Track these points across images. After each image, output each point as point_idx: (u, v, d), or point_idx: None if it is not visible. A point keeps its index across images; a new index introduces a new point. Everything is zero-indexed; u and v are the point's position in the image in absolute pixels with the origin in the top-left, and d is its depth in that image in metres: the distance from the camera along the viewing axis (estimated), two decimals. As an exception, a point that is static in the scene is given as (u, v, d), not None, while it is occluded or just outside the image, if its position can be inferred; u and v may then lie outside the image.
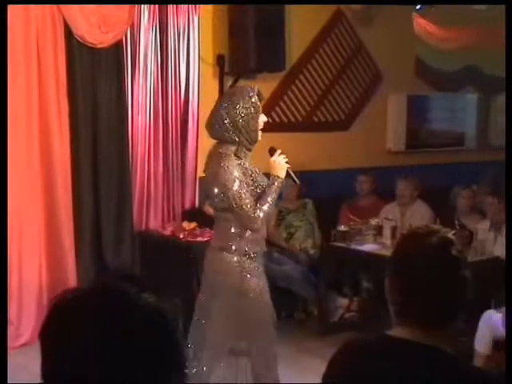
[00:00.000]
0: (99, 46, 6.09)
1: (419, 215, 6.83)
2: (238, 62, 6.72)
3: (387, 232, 6.14)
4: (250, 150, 4.05)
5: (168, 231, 6.39)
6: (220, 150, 3.98)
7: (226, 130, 3.96)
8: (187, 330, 3.95)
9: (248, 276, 3.98)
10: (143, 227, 6.57)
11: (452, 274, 1.87)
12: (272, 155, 4.09)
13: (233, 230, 3.98)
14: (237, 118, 3.96)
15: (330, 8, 7.68)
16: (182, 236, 6.20)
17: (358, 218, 6.62)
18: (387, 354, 1.85)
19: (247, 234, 3.98)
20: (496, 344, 4.99)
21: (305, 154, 7.60)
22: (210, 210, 4.75)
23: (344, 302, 6.58)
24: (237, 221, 3.94)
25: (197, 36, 6.61)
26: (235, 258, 3.97)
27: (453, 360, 1.82)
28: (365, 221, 6.40)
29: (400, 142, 8.43)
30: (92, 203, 6.27)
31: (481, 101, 9.21)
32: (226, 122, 3.97)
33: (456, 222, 6.11)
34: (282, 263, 6.79)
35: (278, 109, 7.49)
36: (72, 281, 6.01)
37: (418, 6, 8.09)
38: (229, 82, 6.94)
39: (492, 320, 5.04)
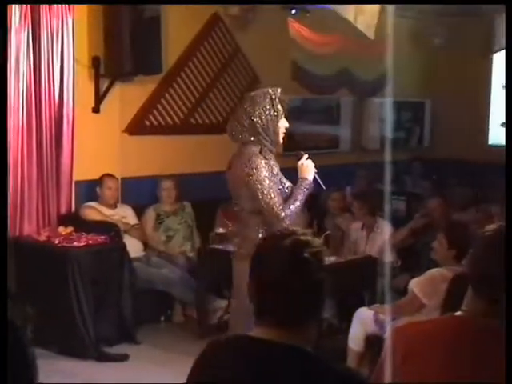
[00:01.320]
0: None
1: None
2: (113, 64, 6.65)
3: (264, 233, 6.21)
4: (271, 151, 4.10)
5: (43, 237, 6.23)
6: (245, 151, 4.02)
7: (246, 132, 4.02)
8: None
9: None
10: (17, 233, 6.38)
11: (304, 276, 1.91)
12: (299, 159, 4.19)
13: (261, 236, 3.94)
14: (256, 120, 4.01)
15: (207, 11, 7.71)
16: (57, 241, 6.06)
17: (234, 221, 6.66)
18: (245, 353, 1.88)
19: None
20: (368, 341, 5.13)
21: (182, 156, 7.61)
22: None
23: (223, 303, 6.62)
24: (265, 221, 3.94)
25: (71, 37, 6.49)
26: None
27: (309, 357, 1.86)
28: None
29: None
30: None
31: (355, 104, 9.46)
32: (245, 124, 4.02)
33: (330, 223, 6.26)
34: (160, 267, 6.77)
35: (155, 111, 7.46)
36: None
37: (293, 11, 8.22)
38: (105, 84, 6.86)
39: (364, 317, 5.18)
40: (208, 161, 7.77)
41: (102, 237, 6.15)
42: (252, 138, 4.04)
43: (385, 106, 9.30)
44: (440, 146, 10.38)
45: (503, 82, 10.13)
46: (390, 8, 6.17)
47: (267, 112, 4.03)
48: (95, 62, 6.76)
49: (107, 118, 6.98)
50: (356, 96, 9.42)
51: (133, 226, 6.89)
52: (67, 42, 6.47)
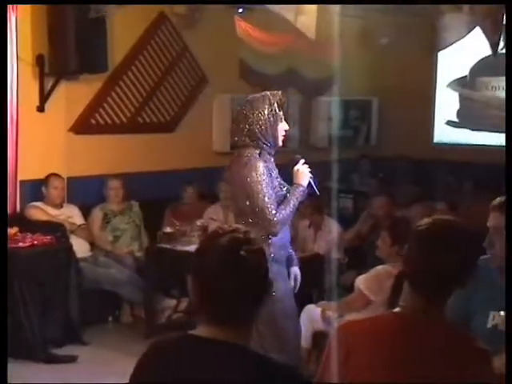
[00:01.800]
0: None
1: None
2: (57, 62, 6.57)
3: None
4: (270, 154, 4.08)
5: (-13, 238, 6.13)
6: (244, 154, 3.99)
7: (245, 135, 3.99)
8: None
9: (275, 280, 3.91)
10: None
11: (240, 274, 1.90)
12: (296, 164, 4.17)
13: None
14: (254, 124, 3.99)
15: (154, 10, 7.68)
16: (2, 242, 5.97)
17: (182, 221, 6.67)
18: (187, 352, 1.88)
19: (272, 240, 3.96)
20: (316, 338, 5.17)
21: (130, 155, 7.57)
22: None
23: (171, 303, 6.61)
24: (258, 224, 3.91)
25: (14, 35, 6.40)
26: None
27: (250, 355, 1.87)
28: (190, 222, 6.45)
29: (225, 144, 8.52)
30: None
31: (302, 103, 9.51)
32: (245, 128, 4.00)
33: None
34: (108, 267, 6.72)
35: (101, 110, 7.40)
36: None
37: (240, 10, 8.23)
38: (50, 82, 6.79)
39: (312, 314, 5.21)
40: (156, 160, 7.76)
41: (48, 237, 6.09)
42: (251, 142, 4.02)
43: (332, 105, 9.38)
44: (387, 144, 10.49)
45: (447, 80, 10.31)
46: (336, 8, 6.25)
47: (265, 116, 4.02)
48: (39, 61, 6.68)
49: (52, 116, 6.91)
50: (304, 95, 9.46)
51: (79, 226, 6.83)
52: (10, 40, 6.38)
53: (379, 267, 4.90)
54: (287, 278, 4.18)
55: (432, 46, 6.96)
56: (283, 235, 4.06)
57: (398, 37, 9.72)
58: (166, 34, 7.91)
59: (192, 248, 6.13)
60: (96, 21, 6.57)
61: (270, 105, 4.04)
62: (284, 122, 4.12)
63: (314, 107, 9.60)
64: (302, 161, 4.24)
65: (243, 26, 8.34)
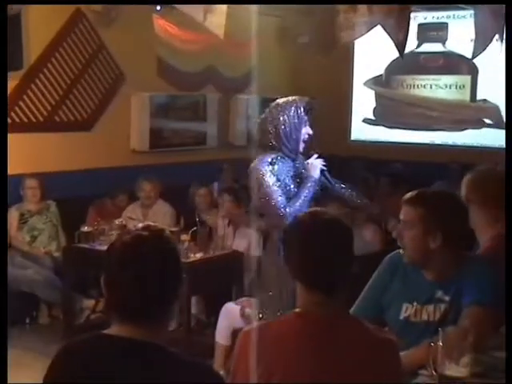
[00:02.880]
0: None
1: (161, 214, 6.97)
2: (-30, 60, 6.43)
3: (132, 231, 6.18)
4: (289, 156, 4.23)
5: None
6: (265, 153, 4.19)
7: (269, 136, 4.19)
8: None
9: None
10: None
11: (143, 271, 1.91)
12: (309, 158, 4.34)
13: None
14: (279, 126, 4.16)
15: (69, 8, 7.57)
16: None
17: (105, 218, 6.61)
18: (98, 351, 1.89)
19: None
20: (235, 335, 5.19)
21: (47, 154, 7.46)
22: None
23: (90, 303, 6.55)
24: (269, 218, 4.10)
25: None
26: None
27: (164, 352, 1.88)
28: (109, 221, 6.40)
29: (144, 142, 8.51)
30: None
31: (221, 101, 9.54)
32: (270, 129, 4.18)
33: (197, 220, 6.30)
34: (25, 267, 6.61)
35: (17, 108, 7.27)
36: None
37: (158, 7, 8.20)
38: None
39: (231, 311, 5.24)
40: (73, 159, 7.67)
41: (-38, 238, 5.95)
42: (274, 143, 4.21)
43: (251, 103, 9.44)
44: (306, 141, 10.62)
45: (364, 79, 10.50)
46: (254, 7, 6.29)
47: (291, 119, 4.21)
48: (-49, 58, 6.52)
49: (-34, 115, 6.75)
50: (222, 93, 9.50)
51: (-6, 226, 6.69)
52: None
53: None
54: None
55: (329, 44, 7.04)
56: None
57: (316, 36, 9.85)
58: (83, 31, 7.82)
59: (110, 247, 6.09)
60: (11, 18, 6.45)
61: (297, 108, 4.24)
62: (308, 127, 4.29)
63: (233, 105, 9.64)
64: (316, 155, 4.42)
65: (161, 24, 8.33)
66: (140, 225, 2.05)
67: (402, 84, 10.25)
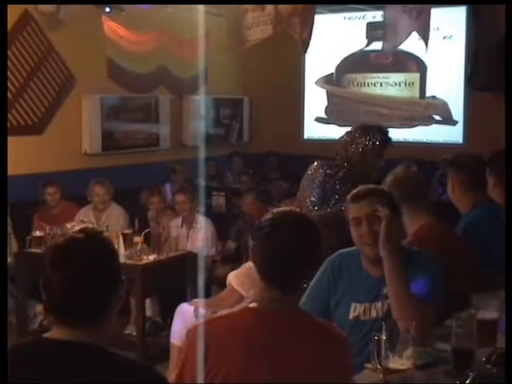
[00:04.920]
0: None
1: (115, 217, 6.93)
2: None
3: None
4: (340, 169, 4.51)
5: None
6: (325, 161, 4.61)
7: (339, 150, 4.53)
8: None
9: None
10: None
11: (73, 273, 1.92)
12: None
13: None
14: (352, 147, 4.46)
15: (17, 10, 7.49)
16: None
17: (52, 225, 6.54)
18: (39, 355, 1.88)
19: None
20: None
21: (-4, 159, 7.36)
22: None
23: (43, 308, 6.48)
24: None
25: None
26: None
27: (103, 354, 1.89)
28: (61, 225, 6.34)
29: (96, 145, 8.46)
30: None
31: (173, 102, 9.52)
32: (345, 147, 4.51)
33: (150, 222, 6.30)
34: (-24, 274, 6.52)
35: (-35, 113, 7.17)
36: None
37: (107, 9, 8.17)
38: None
39: (185, 312, 5.24)
40: (24, 163, 7.57)
41: None
42: (337, 157, 4.55)
43: (203, 104, 9.45)
44: (259, 140, 10.68)
45: (315, 78, 10.57)
46: (201, 8, 6.29)
47: (365, 146, 4.45)
48: None
49: None
50: (174, 94, 9.49)
51: None
52: None
53: (250, 262, 4.97)
54: None
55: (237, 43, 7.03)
56: None
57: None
58: (31, 34, 7.73)
59: (62, 251, 6.03)
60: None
61: (375, 138, 4.46)
62: (381, 158, 4.54)
63: (185, 106, 9.63)
64: None
65: (111, 26, 8.30)
66: (77, 227, 2.04)
67: (353, 82, 10.34)
